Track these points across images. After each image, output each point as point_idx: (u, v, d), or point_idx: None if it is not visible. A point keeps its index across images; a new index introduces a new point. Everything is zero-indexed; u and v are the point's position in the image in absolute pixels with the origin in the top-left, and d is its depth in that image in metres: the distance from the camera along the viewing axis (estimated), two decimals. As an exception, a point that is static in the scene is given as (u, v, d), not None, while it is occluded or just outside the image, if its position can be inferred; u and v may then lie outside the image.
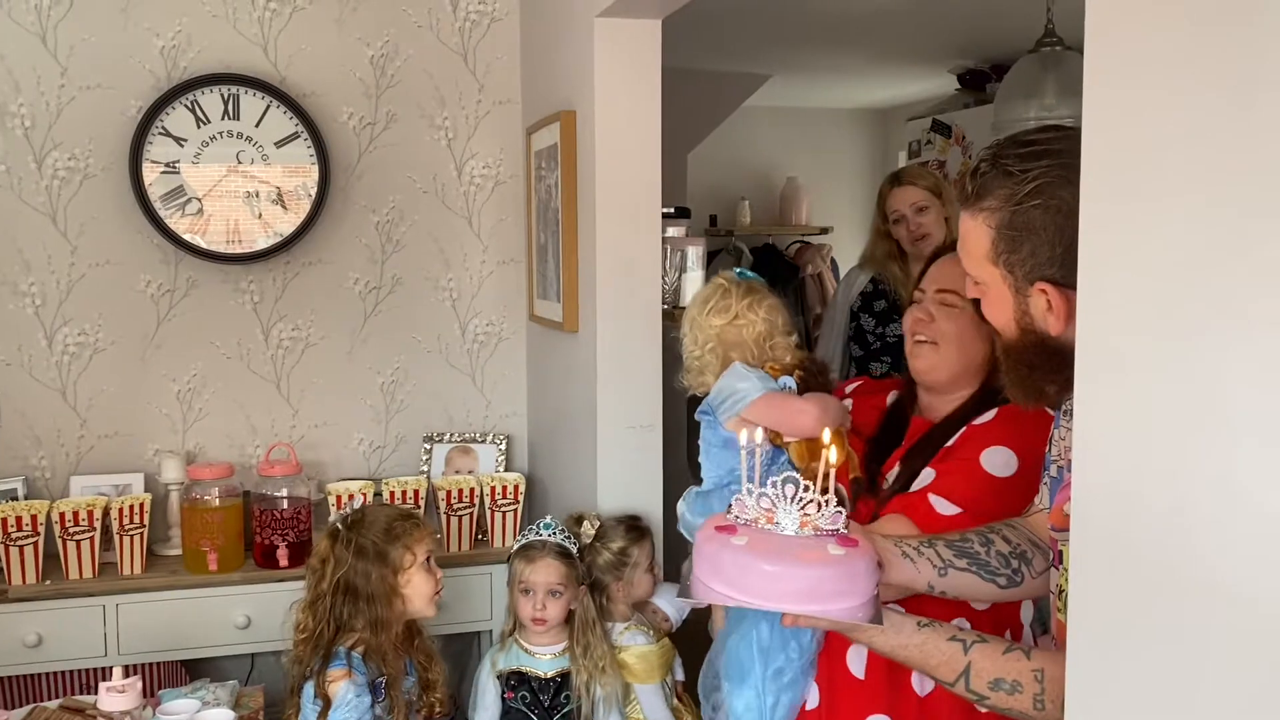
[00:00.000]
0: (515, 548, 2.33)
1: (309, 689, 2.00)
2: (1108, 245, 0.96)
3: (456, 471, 3.26)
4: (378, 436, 3.31)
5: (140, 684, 2.01)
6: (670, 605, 2.51)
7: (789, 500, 1.28)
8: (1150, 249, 0.90)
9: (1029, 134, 1.31)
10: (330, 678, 1.99)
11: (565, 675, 2.28)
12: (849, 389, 1.93)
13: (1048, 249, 1.26)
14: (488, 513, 3.06)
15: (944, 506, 1.58)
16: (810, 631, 1.69)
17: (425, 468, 3.26)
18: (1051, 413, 1.69)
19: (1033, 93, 3.00)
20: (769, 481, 1.30)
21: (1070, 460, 1.45)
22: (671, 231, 3.35)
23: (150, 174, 3.00)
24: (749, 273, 1.94)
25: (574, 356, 2.84)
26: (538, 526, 2.37)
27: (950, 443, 1.66)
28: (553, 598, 2.26)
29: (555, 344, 3.02)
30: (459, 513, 3.06)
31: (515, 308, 3.38)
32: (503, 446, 3.30)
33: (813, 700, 1.70)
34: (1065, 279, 1.25)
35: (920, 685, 1.66)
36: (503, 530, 3.07)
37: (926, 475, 1.63)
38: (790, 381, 1.76)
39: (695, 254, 2.77)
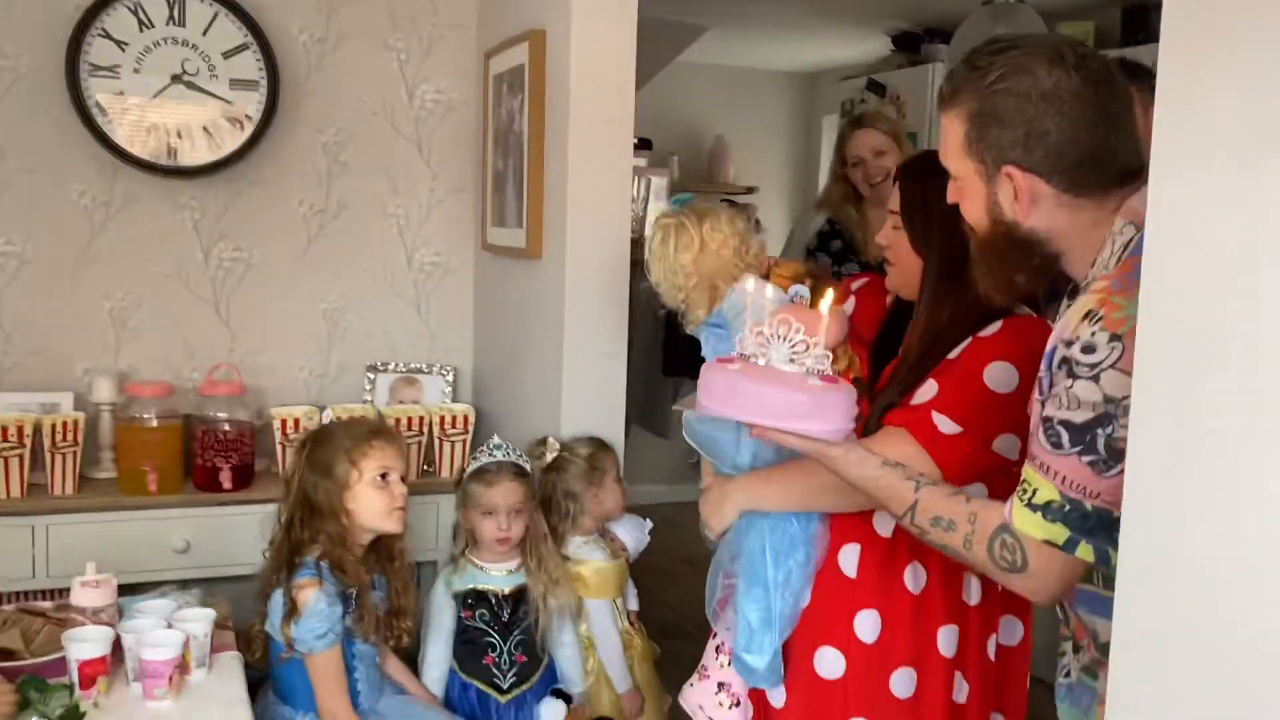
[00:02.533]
0: (470, 471, 2.29)
1: (278, 595, 1.95)
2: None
3: (401, 402, 3.20)
4: (319, 364, 3.22)
5: (115, 581, 1.92)
6: (629, 536, 2.52)
7: (781, 339, 1.40)
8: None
9: (1006, 39, 1.37)
10: (299, 585, 1.94)
11: (521, 590, 2.27)
12: (855, 285, 1.95)
13: (1011, 131, 1.32)
14: (435, 443, 3.02)
15: (946, 425, 1.60)
16: (814, 539, 1.72)
17: (369, 397, 3.19)
18: (1050, 324, 1.76)
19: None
20: (766, 322, 1.42)
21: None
22: (634, 162, 3.33)
23: (88, 78, 2.85)
24: (683, 196, 1.97)
25: (537, 283, 2.81)
26: (488, 448, 2.33)
27: (954, 355, 1.69)
28: (516, 517, 2.25)
29: (514, 272, 2.98)
30: (406, 442, 3.00)
31: (464, 239, 3.32)
32: (450, 378, 3.25)
33: (805, 598, 1.72)
34: (1028, 163, 1.33)
35: (914, 582, 1.70)
36: (450, 460, 3.03)
37: (929, 388, 1.65)
38: (803, 290, 1.78)
39: (660, 184, 2.77)
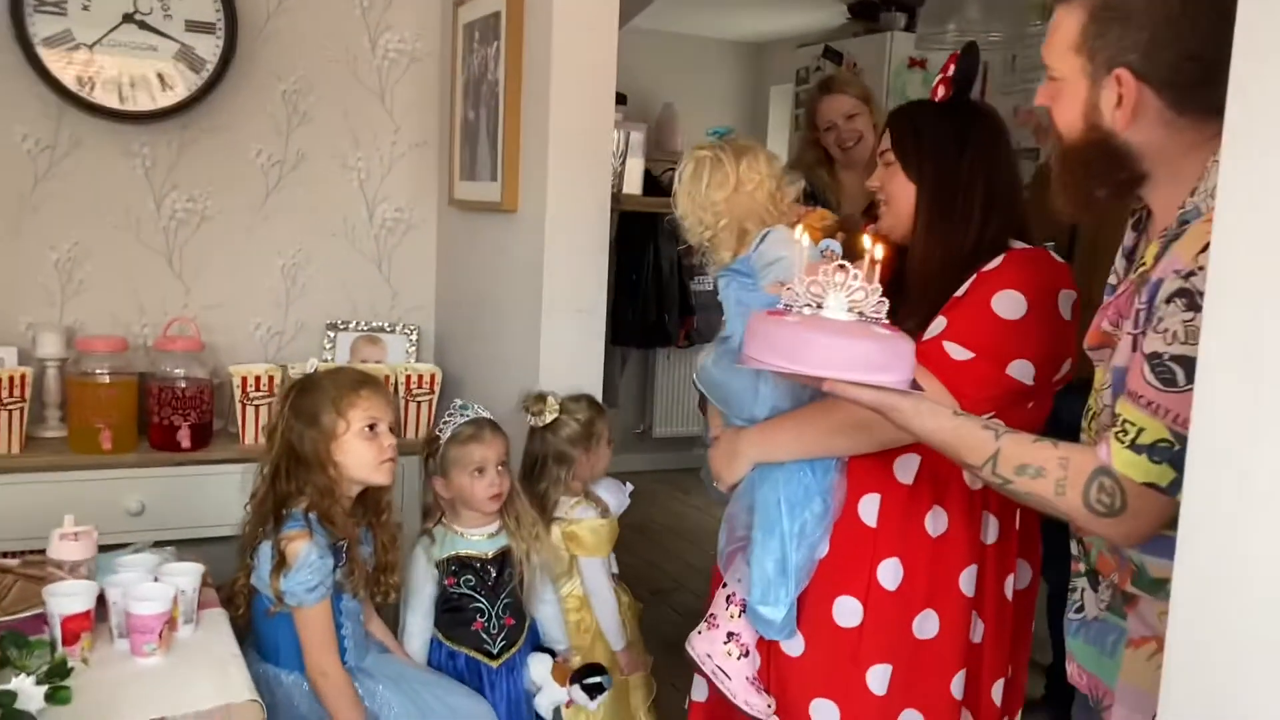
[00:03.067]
0: (446, 436, 2.21)
1: (265, 547, 1.86)
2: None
3: (363, 361, 3.10)
4: (277, 321, 3.10)
5: (95, 534, 1.82)
6: (610, 498, 2.48)
7: (838, 287, 1.34)
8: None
9: None
10: (288, 537, 1.85)
11: (505, 553, 2.21)
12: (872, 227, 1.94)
13: (1135, 32, 1.28)
14: (401, 403, 2.93)
15: (958, 352, 1.60)
16: (830, 489, 1.70)
17: (329, 356, 3.08)
18: (1058, 259, 1.76)
19: (956, 6, 3.09)
20: (819, 269, 1.36)
21: (1109, 284, 1.51)
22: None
23: (33, 14, 2.68)
24: (721, 128, 1.91)
25: (512, 238, 2.74)
26: (457, 411, 2.25)
27: (961, 292, 1.69)
28: (504, 471, 2.19)
29: (485, 227, 2.90)
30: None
31: (426, 194, 3.23)
32: (414, 337, 3.16)
33: (822, 549, 1.71)
34: (1144, 68, 1.28)
35: (935, 526, 1.69)
36: (416, 421, 2.95)
37: (938, 323, 1.65)
38: (835, 245, 1.74)
39: (638, 139, 2.71)
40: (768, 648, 1.75)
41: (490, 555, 2.20)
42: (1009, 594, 1.75)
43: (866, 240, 1.43)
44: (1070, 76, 1.36)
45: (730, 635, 1.74)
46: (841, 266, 1.37)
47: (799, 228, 1.50)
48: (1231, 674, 0.99)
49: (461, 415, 2.20)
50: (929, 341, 1.63)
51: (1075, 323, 1.67)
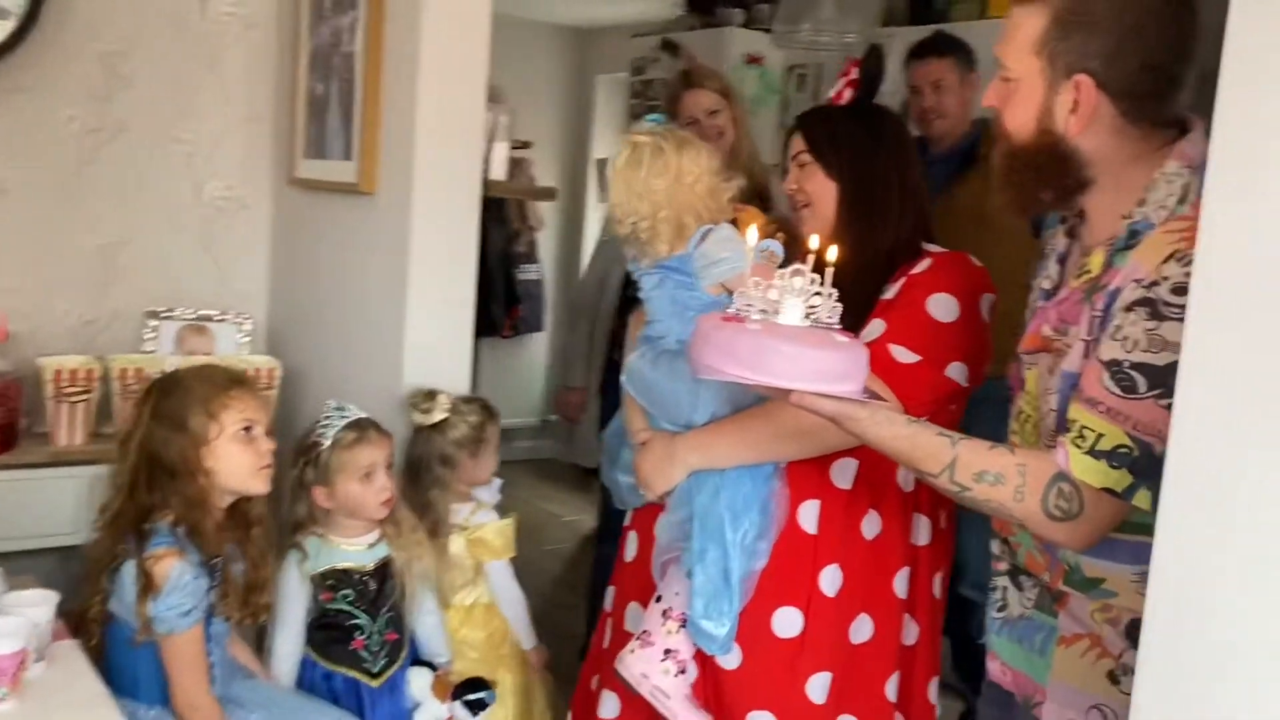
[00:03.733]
0: (327, 443, 2.03)
1: (129, 568, 1.65)
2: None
3: (190, 353, 2.83)
4: (90, 308, 2.79)
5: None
6: (487, 495, 2.37)
7: (796, 292, 1.31)
8: None
9: None
10: (155, 556, 1.64)
11: (386, 564, 2.07)
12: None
13: (1099, 39, 1.29)
14: (237, 399, 2.69)
15: (903, 355, 1.60)
16: (770, 496, 1.66)
17: (151, 347, 2.79)
18: (977, 263, 1.79)
19: (811, 7, 3.12)
20: (778, 276, 1.33)
21: (1041, 289, 1.53)
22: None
23: None
24: (656, 116, 1.83)
25: (369, 222, 2.55)
26: (334, 414, 2.08)
27: (891, 294, 1.69)
28: (391, 474, 2.04)
29: (335, 209, 2.69)
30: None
31: (260, 171, 2.98)
32: (247, 326, 2.91)
33: (763, 559, 1.66)
34: (1103, 76, 1.30)
35: (871, 529, 1.68)
36: (254, 419, 2.71)
37: (876, 326, 1.64)
38: (776, 245, 1.70)
39: (505, 122, 2.58)
40: (703, 661, 1.70)
41: (371, 567, 2.04)
42: (938, 593, 1.77)
43: (814, 242, 1.40)
44: (1027, 78, 1.36)
45: (667, 652, 1.67)
46: (798, 272, 1.33)
47: (751, 228, 1.44)
48: (1206, 680, 1.01)
49: (340, 417, 2.03)
50: (873, 344, 1.61)
51: (992, 325, 1.70)
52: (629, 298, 3.04)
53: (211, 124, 2.89)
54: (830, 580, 1.67)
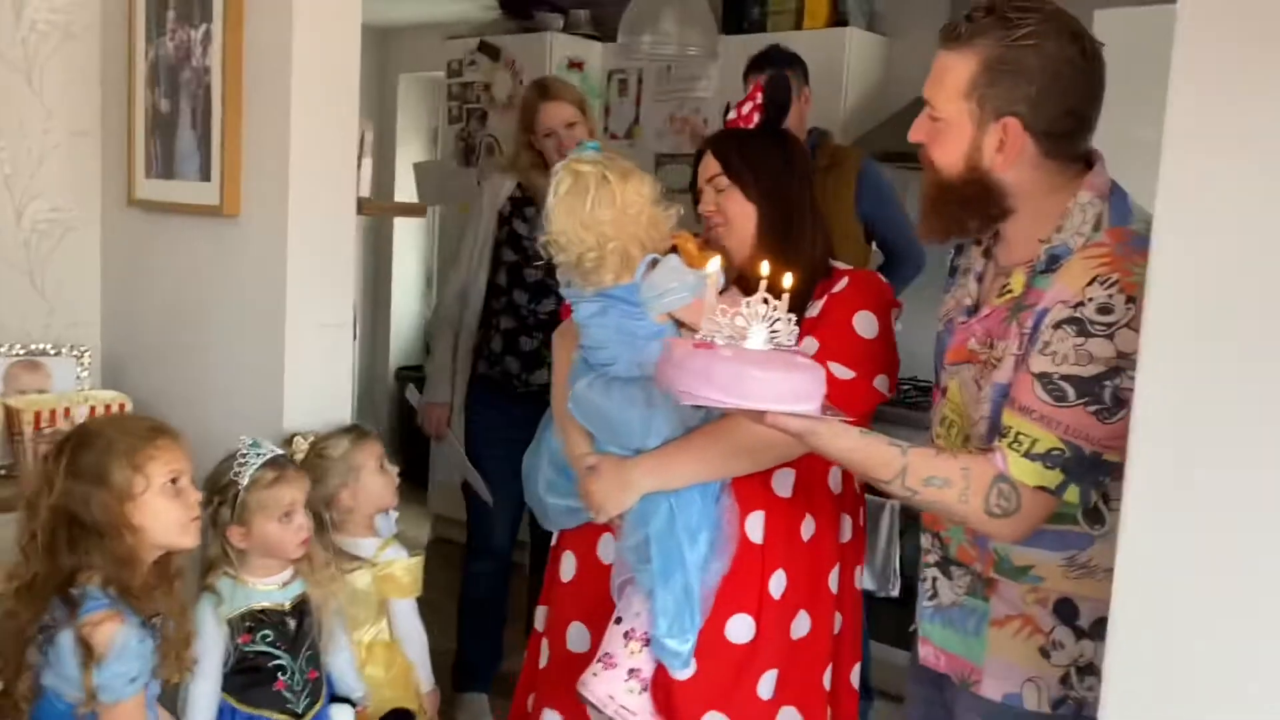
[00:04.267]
0: (246, 481, 1.94)
1: (65, 638, 1.52)
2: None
3: (22, 391, 2.60)
4: (-100, 349, 2.51)
5: None
6: (390, 531, 2.32)
7: (760, 318, 1.39)
8: None
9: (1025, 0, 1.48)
10: (93, 621, 1.53)
11: (302, 601, 2.00)
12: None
13: (1024, 86, 1.43)
14: (85, 439, 2.50)
15: (841, 371, 1.71)
16: (722, 512, 1.73)
17: (-23, 388, 2.55)
18: (884, 279, 1.92)
19: (652, 20, 3.19)
20: (744, 303, 1.40)
21: (951, 316, 1.68)
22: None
23: None
24: (593, 144, 1.85)
25: (232, 246, 2.42)
26: (250, 451, 1.98)
27: (815, 313, 1.79)
28: (307, 512, 1.97)
29: (189, 232, 2.53)
30: (49, 439, 2.46)
31: (88, 191, 2.76)
32: (86, 360, 2.70)
33: (719, 573, 1.73)
34: (1029, 118, 1.44)
35: (808, 532, 1.79)
36: (103, 459, 2.53)
37: (809, 344, 1.73)
38: (715, 263, 1.74)
39: (369, 139, 2.51)
40: (657, 672, 1.75)
41: (288, 606, 1.96)
42: (858, 585, 1.90)
43: (765, 268, 1.47)
44: (955, 119, 1.49)
45: (631, 672, 1.71)
46: (764, 299, 1.41)
47: (714, 260, 1.50)
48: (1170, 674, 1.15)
49: (256, 455, 1.94)
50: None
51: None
52: (492, 310, 3.04)
53: (31, 140, 2.66)
54: (777, 584, 1.76)
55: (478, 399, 3.08)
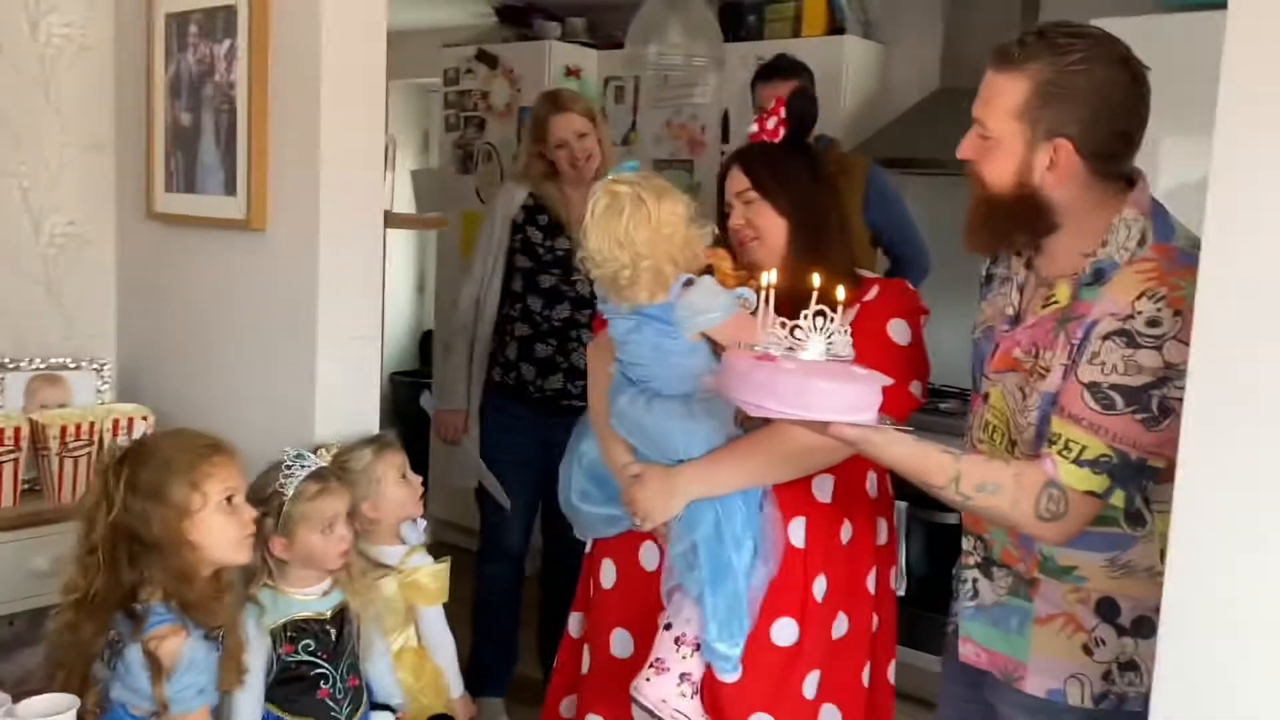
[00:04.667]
0: (291, 490, 1.96)
1: (134, 652, 1.54)
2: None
3: (44, 405, 2.61)
4: (-78, 364, 2.51)
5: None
6: (412, 535, 2.34)
7: (818, 331, 1.44)
8: None
9: (1075, 25, 1.53)
10: (158, 636, 1.55)
11: (343, 610, 2.03)
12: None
13: (1077, 109, 1.49)
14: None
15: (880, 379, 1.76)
16: (766, 518, 1.77)
17: (0, 403, 2.55)
18: (911, 287, 1.97)
19: (659, 30, 3.23)
20: (803, 315, 1.45)
21: (990, 324, 1.73)
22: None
23: None
24: (631, 164, 1.89)
25: (259, 258, 2.44)
26: (293, 463, 2.00)
27: (848, 322, 1.84)
28: (349, 523, 2.00)
29: (214, 245, 2.54)
30: (74, 453, 2.48)
31: (104, 204, 2.77)
32: (106, 374, 2.71)
33: (765, 578, 1.78)
34: (1080, 139, 1.50)
35: (846, 536, 1.84)
36: (127, 472, 2.54)
37: None
38: (749, 293, 1.78)
39: (392, 151, 2.53)
40: (704, 678, 1.79)
41: (329, 615, 1.99)
42: (892, 585, 1.95)
43: (816, 280, 1.51)
44: (1007, 138, 1.54)
45: (682, 676, 1.75)
46: (820, 313, 1.45)
47: (766, 276, 1.53)
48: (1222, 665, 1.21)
49: (301, 467, 1.96)
50: None
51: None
52: (507, 317, 3.07)
53: (50, 154, 2.66)
54: (819, 587, 1.81)
55: (492, 405, 3.11)
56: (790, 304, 1.84)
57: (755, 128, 1.96)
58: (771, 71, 3.17)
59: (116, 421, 2.53)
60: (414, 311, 5.78)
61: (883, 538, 1.92)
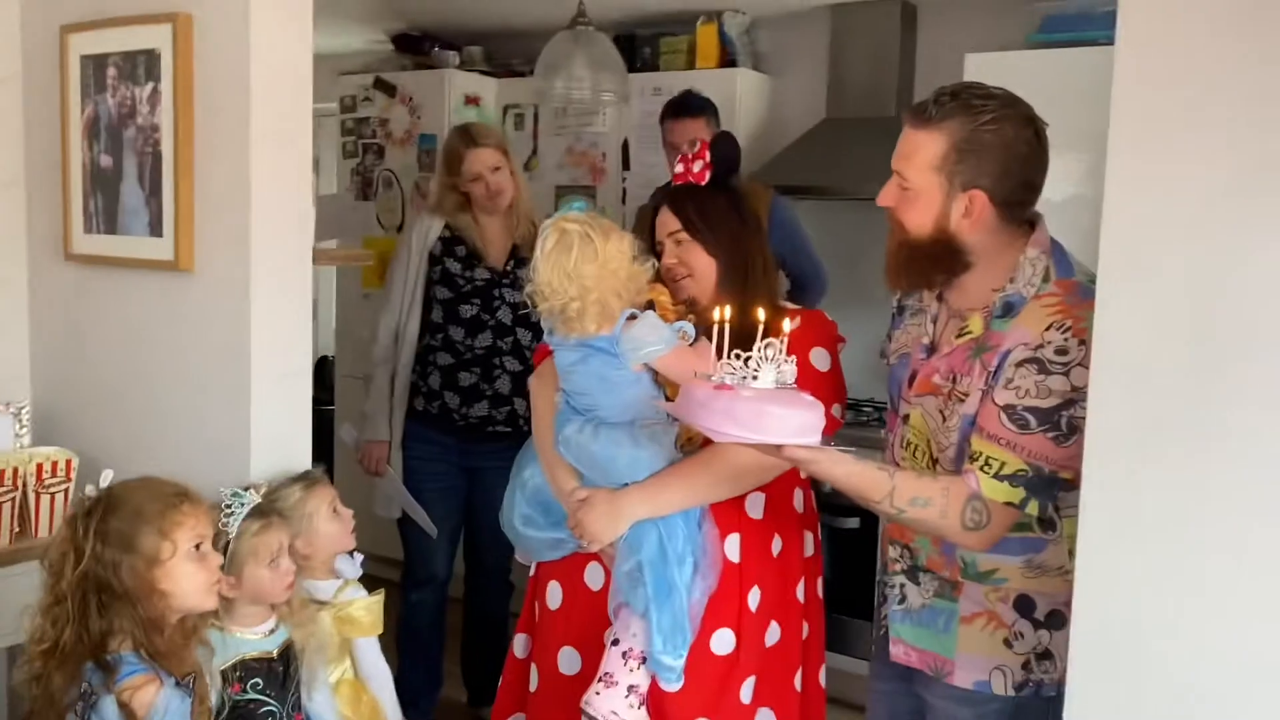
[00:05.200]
0: (234, 528, 1.98)
1: (107, 704, 1.57)
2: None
3: (-42, 452, 2.55)
4: None
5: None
6: (347, 568, 2.38)
7: (769, 361, 1.58)
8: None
9: (984, 87, 1.71)
10: (131, 686, 1.58)
11: (287, 647, 2.07)
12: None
13: (989, 164, 1.67)
14: (32, 496, 2.48)
15: None
16: (704, 535, 1.90)
17: (-88, 450, 2.49)
18: (829, 317, 2.12)
19: (566, 64, 3.34)
20: (755, 348, 1.58)
21: (905, 351, 1.90)
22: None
23: None
24: (579, 203, 1.99)
25: (187, 299, 2.45)
26: (232, 500, 2.04)
27: None
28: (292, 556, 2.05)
29: (136, 287, 2.53)
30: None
31: (13, 243, 2.73)
32: (23, 415, 2.66)
33: (705, 594, 1.90)
34: (992, 190, 1.68)
35: (777, 549, 1.98)
36: (50, 517, 2.52)
37: None
38: (688, 326, 1.90)
39: (312, 184, 2.55)
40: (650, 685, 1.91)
41: (275, 652, 2.03)
42: (820, 595, 2.10)
43: (761, 314, 1.64)
44: (926, 189, 1.71)
45: (630, 688, 1.86)
46: (768, 344, 1.59)
47: (718, 312, 1.65)
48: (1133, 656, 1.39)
49: (240, 504, 1.99)
50: None
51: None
52: (428, 347, 3.13)
53: (-44, 195, 2.61)
54: (753, 598, 1.95)
55: (415, 434, 3.16)
56: (725, 336, 1.99)
57: (681, 168, 2.09)
58: (680, 109, 3.32)
59: (40, 465, 2.50)
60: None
61: (809, 550, 2.07)
